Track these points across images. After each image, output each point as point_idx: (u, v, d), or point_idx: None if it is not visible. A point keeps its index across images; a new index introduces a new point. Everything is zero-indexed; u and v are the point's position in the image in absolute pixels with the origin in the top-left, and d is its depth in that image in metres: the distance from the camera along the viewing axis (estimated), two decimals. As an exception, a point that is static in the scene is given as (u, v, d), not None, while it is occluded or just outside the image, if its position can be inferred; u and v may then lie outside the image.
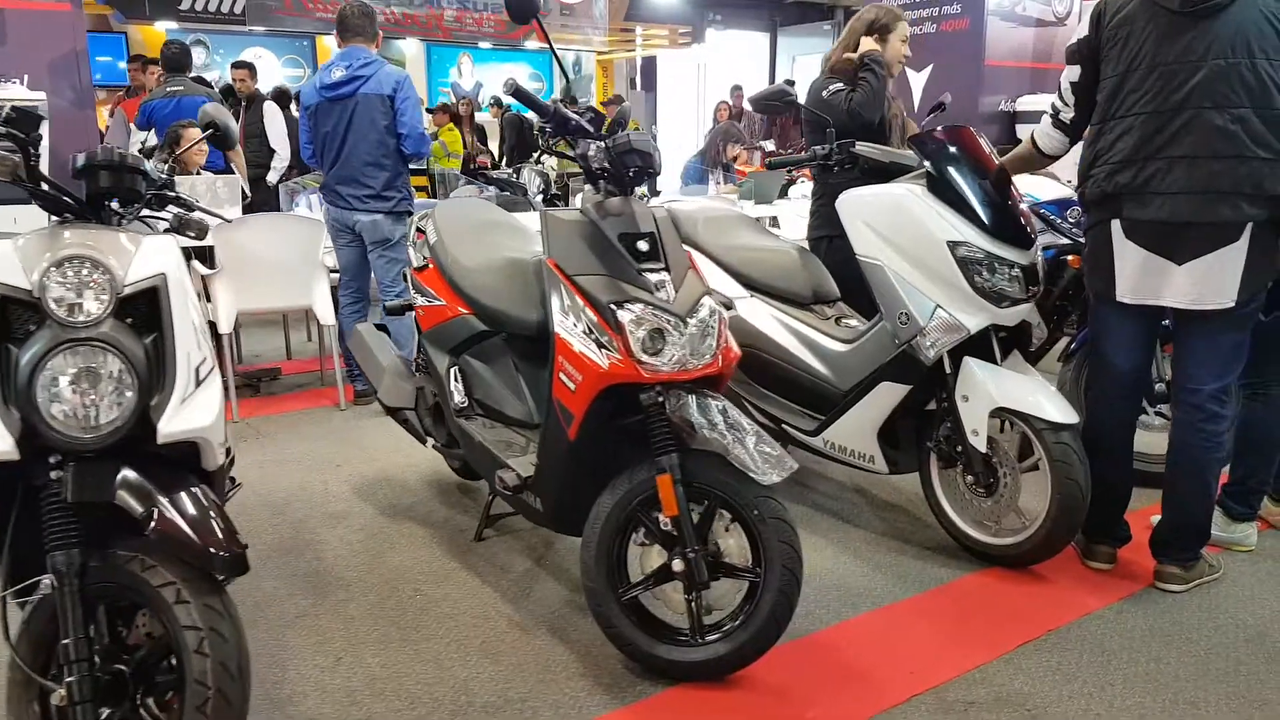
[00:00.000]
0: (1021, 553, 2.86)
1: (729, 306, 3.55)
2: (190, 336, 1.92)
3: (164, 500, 1.79)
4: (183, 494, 1.82)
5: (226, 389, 4.53)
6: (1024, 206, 2.95)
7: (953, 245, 2.80)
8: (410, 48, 16.41)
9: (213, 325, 4.51)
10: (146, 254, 1.93)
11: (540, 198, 5.06)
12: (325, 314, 4.69)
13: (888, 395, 2.99)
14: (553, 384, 2.38)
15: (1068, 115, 2.76)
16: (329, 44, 15.54)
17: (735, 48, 16.96)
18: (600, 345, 2.24)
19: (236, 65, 8.47)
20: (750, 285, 3.54)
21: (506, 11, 2.25)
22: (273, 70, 15.28)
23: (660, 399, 2.28)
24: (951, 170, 2.85)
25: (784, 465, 2.23)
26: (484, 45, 14.76)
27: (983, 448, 2.84)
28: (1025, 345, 3.06)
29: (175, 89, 6.10)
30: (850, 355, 3.13)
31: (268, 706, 2.23)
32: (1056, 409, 2.75)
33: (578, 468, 2.44)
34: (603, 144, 2.34)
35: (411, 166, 4.68)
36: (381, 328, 3.81)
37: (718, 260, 3.65)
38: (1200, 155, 2.47)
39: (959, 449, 2.90)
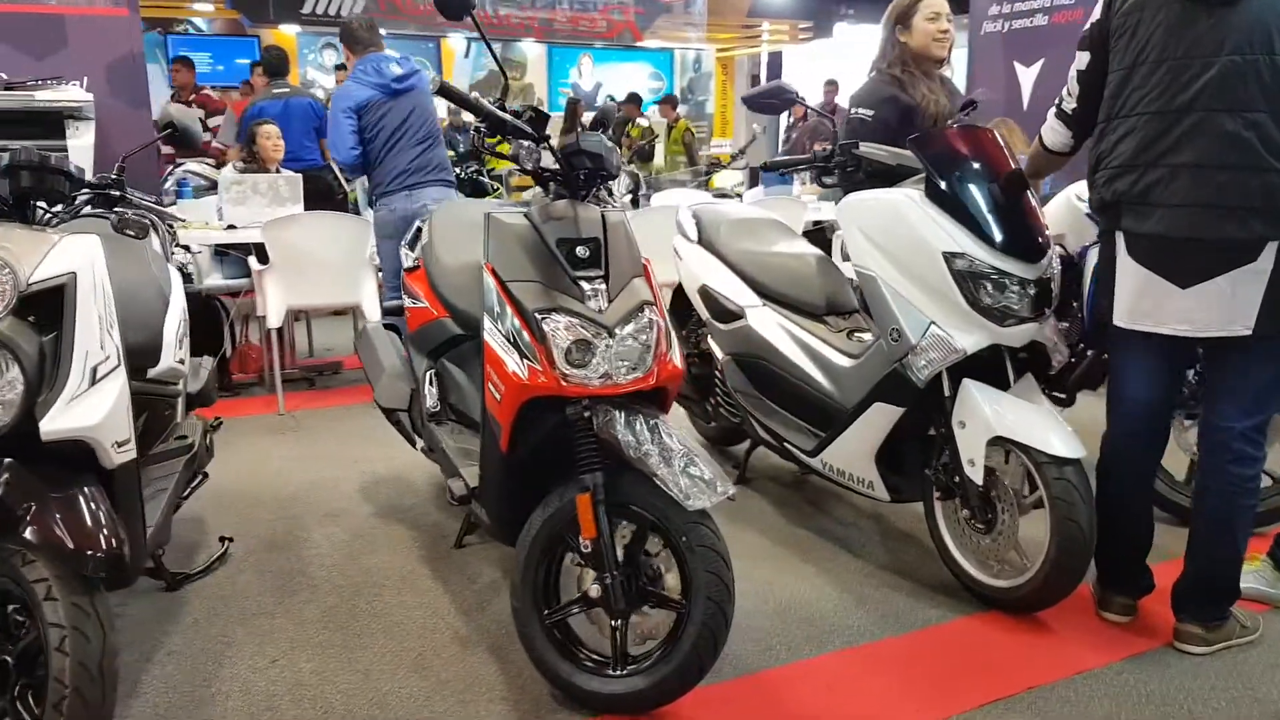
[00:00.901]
0: (1020, 597, 2.59)
1: (739, 315, 3.39)
2: (92, 336, 1.93)
3: (50, 497, 1.80)
4: (68, 493, 1.83)
5: (274, 382, 4.66)
6: (1042, 215, 2.67)
7: (949, 257, 2.55)
8: (531, 50, 16.71)
9: (261, 320, 4.65)
10: (59, 253, 1.95)
11: (629, 198, 4.98)
12: (371, 311, 4.75)
13: (882, 417, 2.77)
14: (484, 394, 2.29)
15: (1069, 106, 2.49)
16: (453, 44, 16.01)
17: (867, 42, 16.47)
18: (523, 355, 2.14)
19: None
20: (763, 293, 3.37)
21: (435, 8, 2.17)
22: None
23: (587, 414, 2.16)
24: (952, 174, 2.61)
25: (713, 491, 2.08)
26: (597, 45, 14.84)
27: (979, 479, 2.58)
28: (1044, 368, 2.78)
29: (281, 91, 6.46)
30: (854, 371, 2.92)
31: (189, 704, 2.23)
32: (1060, 441, 2.48)
33: (511, 480, 2.34)
34: (533, 145, 2.24)
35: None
36: (391, 328, 3.78)
37: (733, 266, 3.49)
38: (1207, 164, 2.17)
39: (957, 479, 2.65)
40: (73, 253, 1.97)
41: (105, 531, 1.82)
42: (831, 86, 11.11)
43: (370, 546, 3.09)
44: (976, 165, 2.63)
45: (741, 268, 3.46)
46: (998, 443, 2.55)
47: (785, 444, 3.18)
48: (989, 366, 2.66)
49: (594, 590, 2.13)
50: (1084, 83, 2.45)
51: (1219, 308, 2.22)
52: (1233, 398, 2.32)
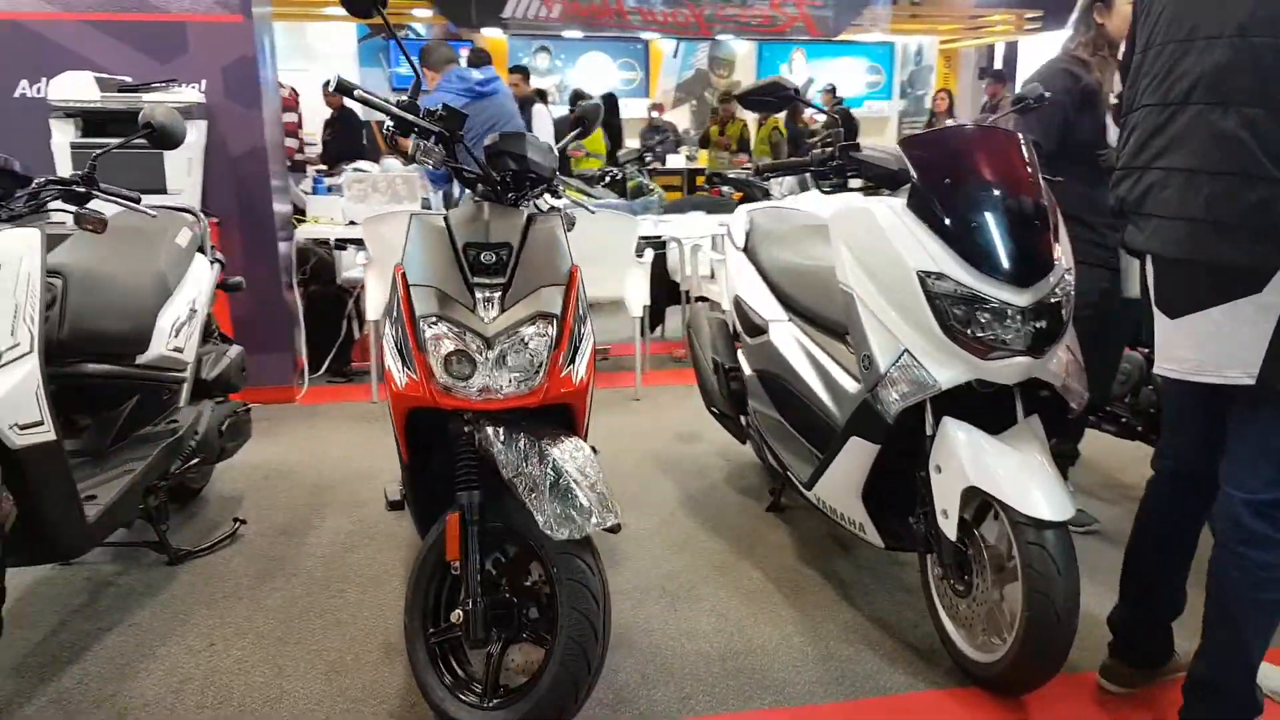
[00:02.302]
0: (994, 676, 2.22)
1: (764, 330, 3.15)
2: (3, 325, 2.05)
3: None
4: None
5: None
6: (1056, 235, 2.26)
7: (924, 276, 2.22)
8: (741, 47, 16.56)
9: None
10: (-15, 245, 2.08)
11: (790, 198, 4.81)
12: (634, 306, 4.90)
13: (860, 453, 2.46)
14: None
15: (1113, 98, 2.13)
16: (663, 46, 16.16)
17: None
18: (404, 364, 2.06)
19: (513, 69, 9.06)
20: (790, 307, 3.12)
21: (343, 6, 2.13)
22: (607, 74, 16.20)
23: (467, 429, 2.06)
24: (938, 181, 2.26)
25: (586, 522, 1.92)
26: (799, 38, 14.45)
27: (952, 534, 2.24)
28: (1062, 411, 2.36)
29: None
30: (854, 398, 2.62)
31: (115, 677, 2.33)
32: (1045, 499, 2.09)
33: (421, 490, 2.28)
34: (431, 145, 2.15)
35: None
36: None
37: (766, 277, 3.26)
38: (1199, 169, 1.77)
39: (933, 531, 2.32)
40: (2, 248, 2.10)
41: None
42: (994, 77, 10.34)
43: (366, 541, 3.13)
44: (973, 172, 2.27)
45: (773, 279, 3.21)
46: (974, 494, 2.20)
47: (788, 472, 2.92)
48: (993, 404, 2.30)
49: (455, 615, 2.02)
50: (1122, 69, 2.11)
51: (1212, 347, 1.81)
52: (1246, 462, 1.87)
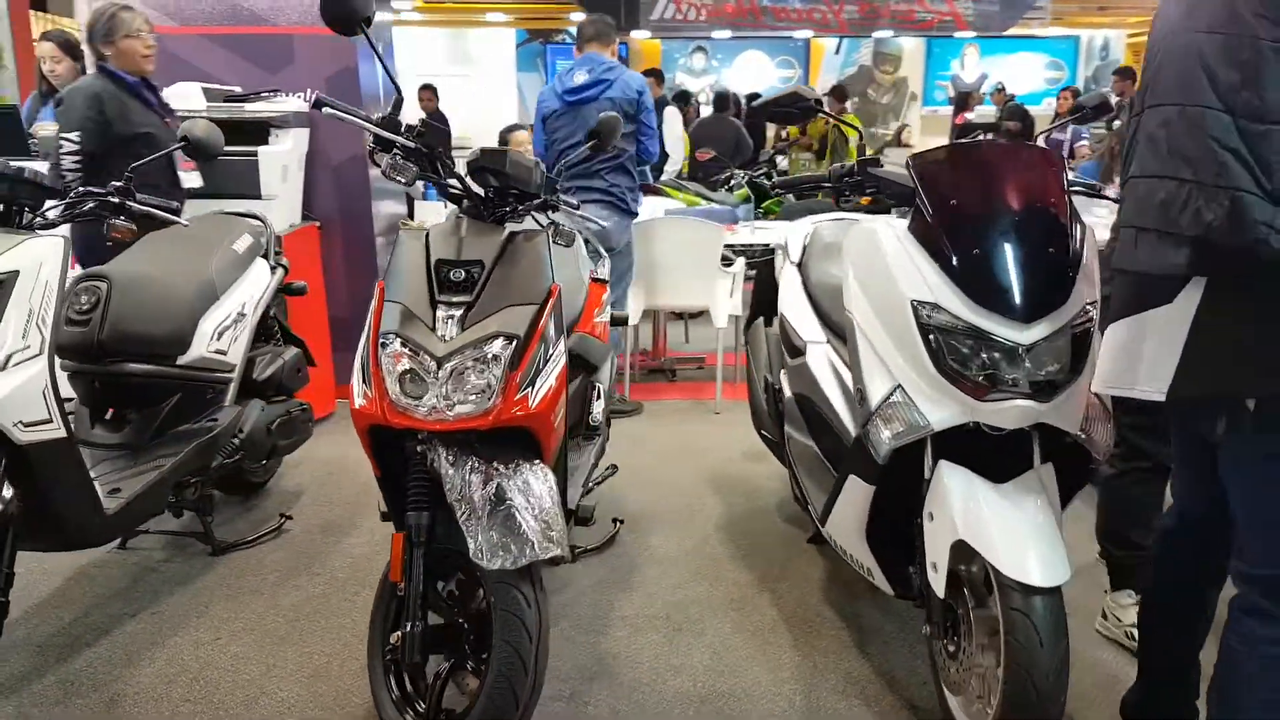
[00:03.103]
0: (977, 750, 2.01)
1: (802, 351, 2.98)
2: (15, 326, 2.20)
3: None
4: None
5: (622, 372, 4.81)
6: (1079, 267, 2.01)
7: (917, 306, 2.02)
8: (908, 42, 15.99)
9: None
10: (13, 253, 2.24)
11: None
12: (719, 316, 4.81)
13: (857, 493, 2.28)
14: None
15: None
16: (824, 42, 15.80)
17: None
18: (364, 380, 2.07)
19: (647, 73, 9.05)
20: (831, 326, 2.94)
21: (327, 24, 2.15)
22: (765, 72, 16.02)
23: (419, 449, 2.04)
24: (943, 202, 2.06)
25: (521, 553, 1.88)
26: (959, 34, 13.79)
27: (940, 589, 2.04)
28: (1084, 460, 2.11)
29: None
30: (853, 432, 2.45)
31: (120, 663, 2.46)
32: (1037, 563, 1.87)
33: (390, 506, 2.28)
34: (402, 161, 2.13)
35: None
36: (617, 320, 3.70)
37: (810, 294, 3.09)
38: (1137, 174, 1.70)
39: (924, 584, 2.12)
40: (24, 254, 2.26)
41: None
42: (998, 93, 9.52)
43: (397, 544, 3.19)
44: (983, 193, 2.06)
45: (816, 296, 3.04)
46: (964, 549, 1.99)
47: (809, 505, 2.76)
48: (1006, 446, 2.08)
49: (394, 635, 2.01)
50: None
51: (1125, 360, 1.76)
52: (1242, 525, 1.65)
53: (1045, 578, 1.85)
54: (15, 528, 2.26)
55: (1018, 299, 1.94)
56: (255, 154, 4.14)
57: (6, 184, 2.33)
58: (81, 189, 2.55)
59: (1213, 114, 1.52)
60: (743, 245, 5.29)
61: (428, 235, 2.19)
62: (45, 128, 4.76)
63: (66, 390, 2.54)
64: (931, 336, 2.00)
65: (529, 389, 2.03)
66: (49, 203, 2.42)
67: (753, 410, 3.45)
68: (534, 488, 2.00)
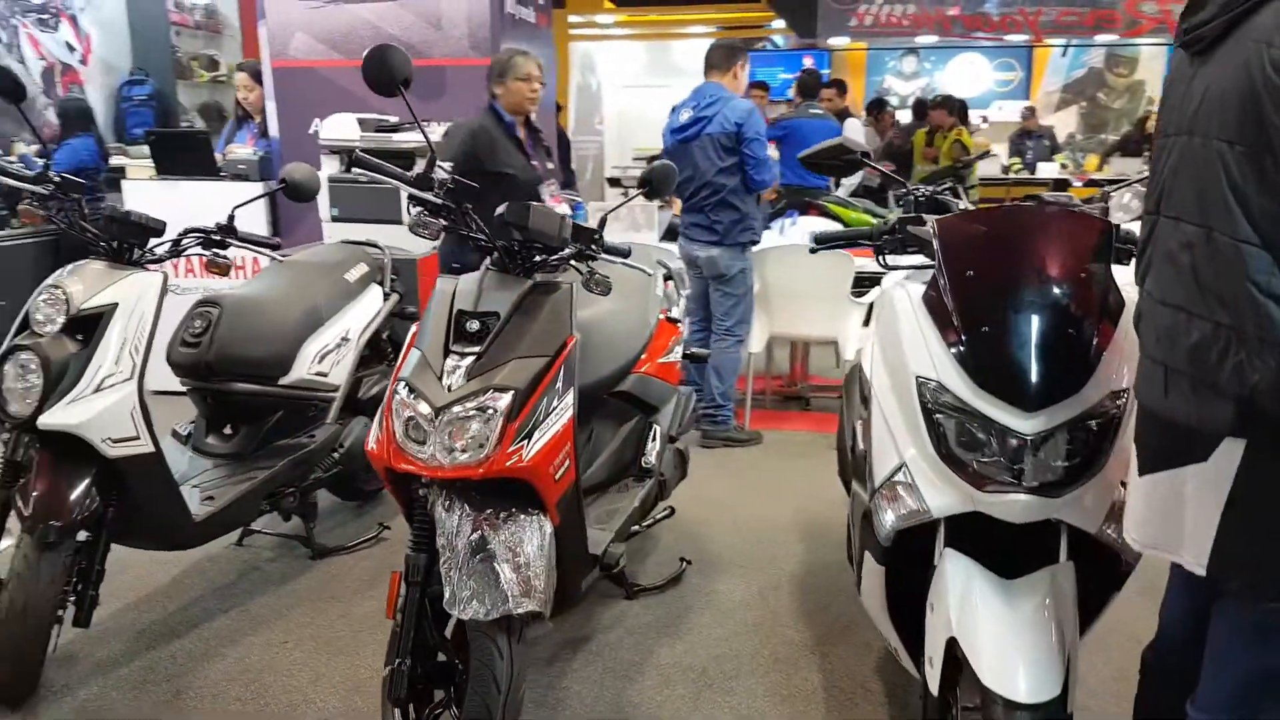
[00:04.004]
0: None
1: (867, 403, 2.85)
2: (110, 353, 2.49)
3: (43, 474, 2.40)
4: (55, 473, 2.41)
5: (743, 400, 4.85)
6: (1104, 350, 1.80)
7: (921, 383, 1.89)
8: (1147, 49, 14.68)
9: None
10: (115, 288, 2.55)
11: None
12: (847, 349, 4.73)
13: (872, 571, 2.15)
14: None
15: None
16: (1049, 43, 14.79)
17: None
18: (379, 423, 2.18)
19: (830, 84, 8.83)
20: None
21: (369, 86, 2.27)
22: (982, 76, 15.19)
23: (422, 492, 2.13)
24: (960, 271, 1.91)
25: (495, 605, 1.93)
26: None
27: (934, 685, 1.90)
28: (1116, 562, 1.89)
29: (795, 114, 7.07)
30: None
31: (196, 656, 2.72)
32: (1025, 676, 1.70)
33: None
34: (429, 218, 2.22)
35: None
36: (696, 357, 3.64)
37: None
38: (1159, 298, 1.46)
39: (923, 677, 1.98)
40: (125, 288, 2.55)
41: (68, 509, 2.37)
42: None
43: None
44: (1003, 263, 1.89)
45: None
46: (956, 646, 1.84)
47: (853, 567, 2.63)
48: (1031, 538, 1.91)
49: (384, 671, 2.11)
50: None
51: (1159, 519, 1.49)
52: (1210, 669, 1.42)
53: (1030, 692, 1.68)
54: (108, 531, 2.56)
55: (1023, 384, 1.77)
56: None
57: (116, 225, 2.64)
58: (186, 227, 2.83)
59: (1250, 250, 1.30)
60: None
61: (457, 285, 2.28)
62: (236, 150, 5.32)
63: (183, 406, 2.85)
64: (935, 417, 1.87)
65: (524, 441, 2.07)
66: (153, 240, 2.71)
67: (839, 456, 3.32)
68: (523, 540, 2.04)
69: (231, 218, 2.86)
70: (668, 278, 3.31)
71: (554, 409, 2.13)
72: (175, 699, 2.52)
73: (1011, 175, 11.51)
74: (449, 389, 2.08)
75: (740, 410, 4.78)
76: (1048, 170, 11.68)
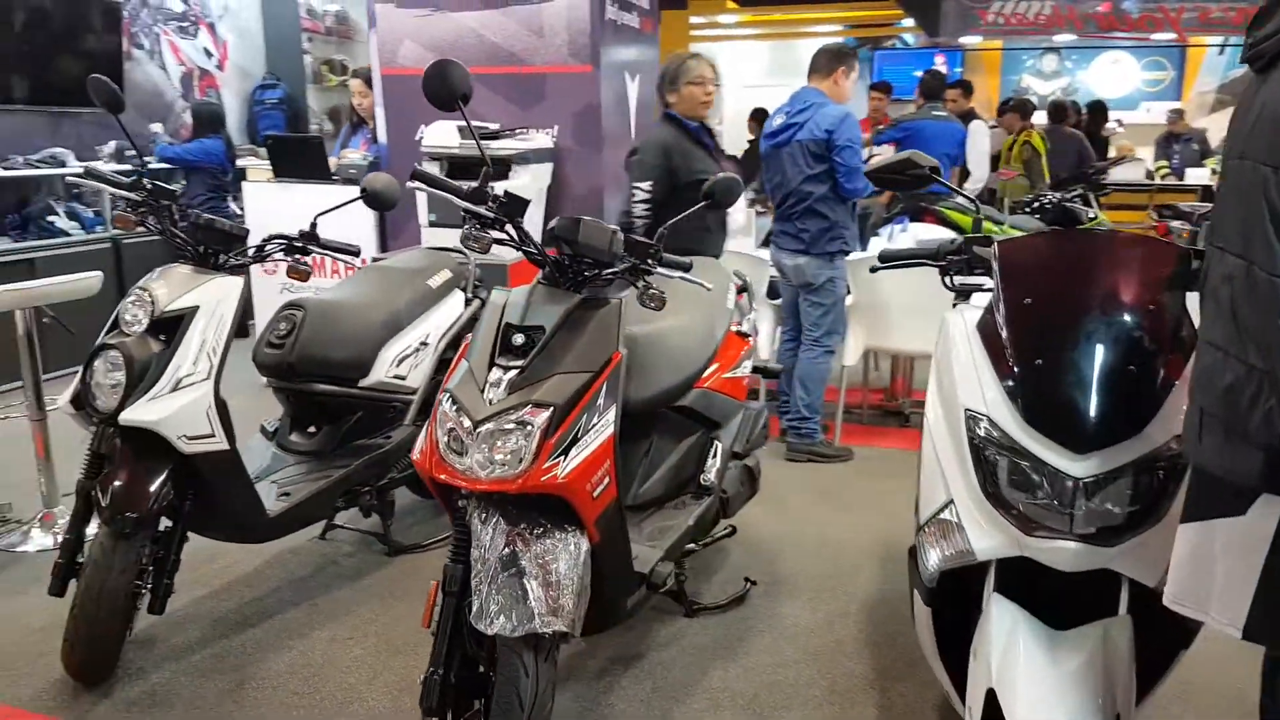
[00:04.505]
0: None
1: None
2: (189, 354, 2.61)
3: (121, 467, 2.53)
4: (134, 468, 2.53)
5: (833, 415, 4.75)
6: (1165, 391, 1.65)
7: (971, 416, 1.78)
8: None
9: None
10: (197, 292, 2.67)
11: None
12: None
13: (921, 611, 2.05)
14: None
15: None
16: (1205, 40, 13.86)
17: None
18: (425, 433, 2.20)
19: (955, 84, 8.50)
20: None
21: (428, 100, 2.30)
22: (1129, 75, 14.37)
23: (461, 503, 2.14)
24: (1018, 300, 1.79)
25: (519, 623, 1.93)
26: None
27: (974, 742, 1.78)
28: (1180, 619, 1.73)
29: (917, 115, 6.97)
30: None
31: (268, 647, 2.83)
32: (1063, 735, 1.58)
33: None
34: (480, 232, 2.23)
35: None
36: (768, 372, 3.62)
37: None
38: (1204, 337, 1.34)
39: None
40: (206, 292, 2.67)
41: (144, 501, 2.49)
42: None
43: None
44: (1063, 293, 1.76)
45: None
46: (998, 700, 1.73)
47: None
48: (1087, 587, 1.78)
49: (420, 679, 2.12)
50: None
51: (1190, 573, 1.37)
52: None
53: (1068, 756, 1.56)
54: (184, 523, 2.68)
55: (1076, 423, 1.64)
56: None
57: (202, 231, 2.76)
58: (270, 234, 2.94)
59: None
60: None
61: (508, 298, 2.28)
62: (348, 154, 5.51)
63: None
64: (984, 454, 1.75)
65: (561, 457, 2.05)
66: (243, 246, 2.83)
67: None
68: (555, 557, 2.03)
69: (314, 225, 2.96)
70: (741, 290, 3.24)
71: (594, 425, 2.11)
72: (237, 689, 2.61)
73: (1156, 181, 10.86)
74: (489, 402, 2.08)
75: (830, 424, 4.65)
76: (1197, 176, 10.94)
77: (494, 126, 4.82)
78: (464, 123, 4.62)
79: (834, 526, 3.71)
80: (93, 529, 2.58)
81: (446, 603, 2.09)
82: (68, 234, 5.90)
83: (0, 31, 5.74)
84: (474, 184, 2.34)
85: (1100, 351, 1.67)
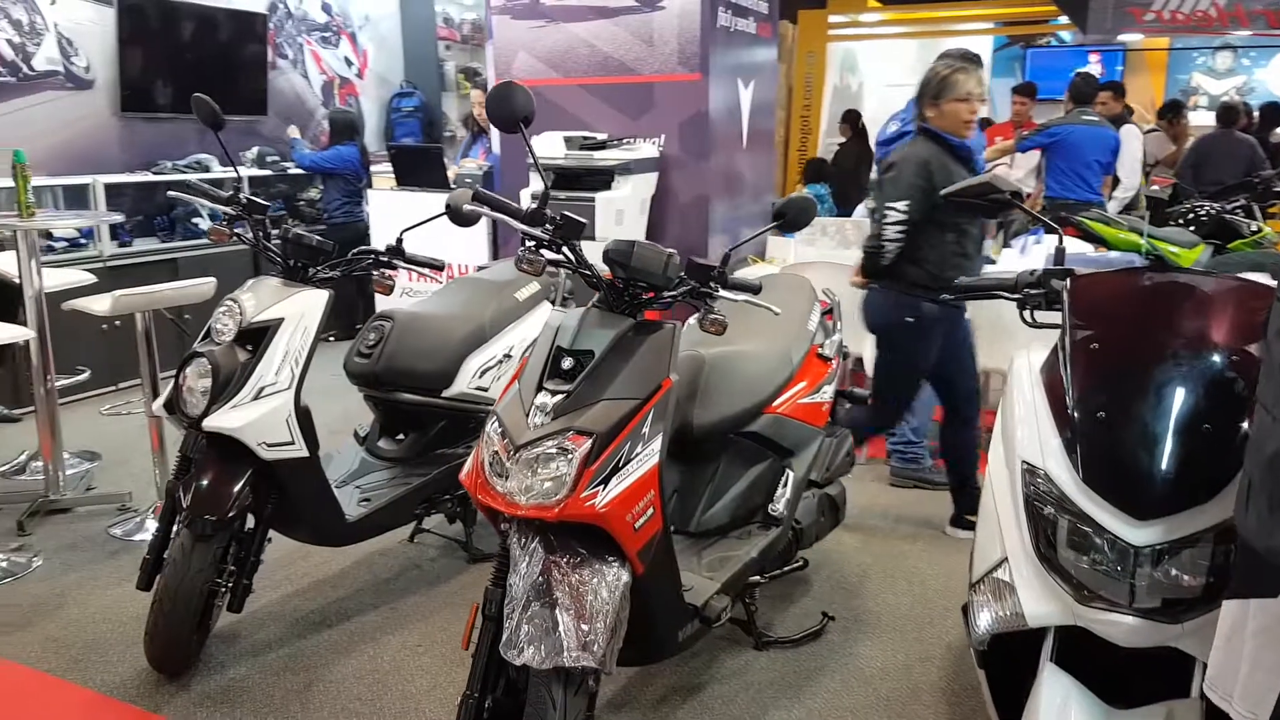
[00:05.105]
0: None
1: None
2: (273, 364, 2.70)
3: (204, 471, 2.64)
4: (217, 471, 2.64)
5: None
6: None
7: (1027, 470, 1.63)
8: None
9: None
10: (284, 304, 2.76)
11: None
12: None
13: (976, 671, 1.89)
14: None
15: None
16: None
17: None
18: (474, 453, 2.19)
19: (1104, 86, 7.95)
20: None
21: (493, 123, 2.29)
22: (1319, 75, 13.18)
23: (504, 526, 2.12)
24: (1085, 345, 1.62)
25: (547, 655, 1.89)
26: None
27: (1021, 820, 1.64)
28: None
29: (1065, 120, 6.62)
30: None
31: (341, 649, 2.90)
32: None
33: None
34: (534, 254, 2.20)
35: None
36: (854, 398, 3.39)
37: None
38: (1260, 398, 1.23)
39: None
40: (292, 304, 2.76)
41: (224, 505, 2.59)
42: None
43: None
44: (1138, 337, 1.59)
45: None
46: (1043, 784, 1.57)
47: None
48: (1156, 661, 1.61)
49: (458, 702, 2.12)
50: None
51: (1221, 650, 1.24)
52: None
53: None
54: (265, 526, 2.78)
55: (1138, 486, 1.48)
56: (592, 200, 4.49)
57: (291, 245, 2.86)
58: (359, 248, 3.01)
59: None
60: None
61: (563, 320, 2.26)
62: (467, 163, 5.63)
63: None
64: (1041, 512, 1.60)
65: (600, 486, 2.00)
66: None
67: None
68: (591, 589, 1.98)
69: (400, 240, 3.01)
70: (829, 310, 3.11)
71: (636, 454, 2.05)
72: (305, 690, 2.69)
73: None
74: (532, 426, 2.06)
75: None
76: (1393, 188, 9.88)
77: (601, 137, 4.83)
78: (571, 133, 4.70)
79: (929, 562, 3.52)
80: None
81: (485, 626, 2.08)
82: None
83: (153, 43, 6.17)
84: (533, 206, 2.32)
85: (1172, 406, 1.49)
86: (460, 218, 3.04)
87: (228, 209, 2.92)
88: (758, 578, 2.69)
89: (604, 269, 2.27)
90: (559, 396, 2.08)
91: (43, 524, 3.73)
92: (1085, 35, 11.19)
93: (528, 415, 2.08)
